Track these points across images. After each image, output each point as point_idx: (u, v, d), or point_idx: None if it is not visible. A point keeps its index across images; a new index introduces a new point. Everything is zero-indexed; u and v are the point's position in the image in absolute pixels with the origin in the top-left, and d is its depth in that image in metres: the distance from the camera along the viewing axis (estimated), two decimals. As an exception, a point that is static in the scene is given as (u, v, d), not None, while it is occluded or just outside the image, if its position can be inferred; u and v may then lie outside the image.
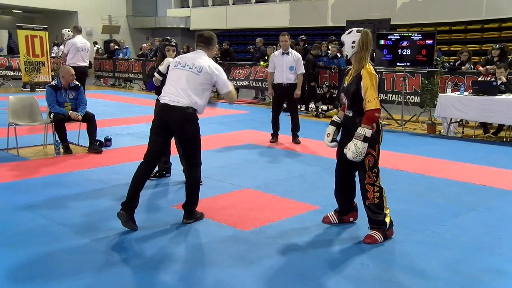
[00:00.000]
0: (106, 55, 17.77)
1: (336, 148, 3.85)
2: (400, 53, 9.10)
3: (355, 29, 3.68)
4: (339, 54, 11.52)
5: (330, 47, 11.60)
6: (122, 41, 18.75)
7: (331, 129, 3.88)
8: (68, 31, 10.62)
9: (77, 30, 9.86)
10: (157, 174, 5.24)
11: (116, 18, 22.14)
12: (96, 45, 19.38)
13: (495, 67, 8.55)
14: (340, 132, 3.84)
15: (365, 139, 3.41)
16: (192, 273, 3.07)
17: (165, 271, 3.08)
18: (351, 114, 3.64)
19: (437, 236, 3.74)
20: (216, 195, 4.69)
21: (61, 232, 3.69)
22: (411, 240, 3.64)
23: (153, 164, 3.93)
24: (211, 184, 5.03)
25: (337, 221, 3.96)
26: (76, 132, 6.76)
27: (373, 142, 3.50)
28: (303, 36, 12.24)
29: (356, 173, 3.75)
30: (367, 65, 3.54)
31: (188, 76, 3.77)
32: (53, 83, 6.44)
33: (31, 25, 15.34)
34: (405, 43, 9.04)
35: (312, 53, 11.42)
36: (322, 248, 3.50)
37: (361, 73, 3.52)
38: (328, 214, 4.02)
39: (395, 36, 9.27)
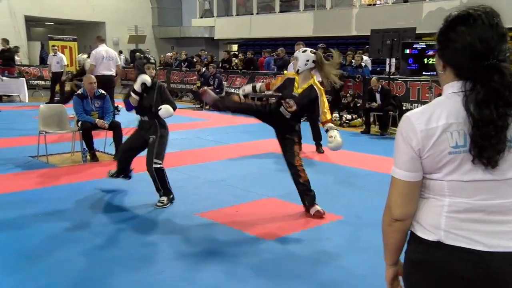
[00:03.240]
0: (131, 64, 18.08)
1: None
2: (426, 62, 8.99)
3: (309, 49, 4.41)
4: (363, 64, 11.45)
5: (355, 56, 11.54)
6: (147, 50, 19.07)
7: (248, 89, 4.83)
8: (81, 55, 10.78)
9: (100, 40, 9.87)
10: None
11: (142, 28, 22.52)
12: (121, 55, 19.75)
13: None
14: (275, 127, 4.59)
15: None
16: (216, 282, 3.07)
17: (189, 281, 3.09)
18: (288, 116, 4.34)
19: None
20: (240, 203, 4.70)
21: (88, 239, 3.75)
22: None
23: None
24: (235, 193, 5.04)
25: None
26: (103, 140, 6.89)
27: (299, 135, 4.61)
28: (322, 44, 12.19)
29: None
30: (316, 81, 4.30)
31: None
32: (79, 92, 6.58)
33: (62, 36, 15.78)
34: (431, 52, 8.91)
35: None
36: (346, 259, 3.45)
37: (316, 89, 4.24)
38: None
39: (420, 45, 9.16)
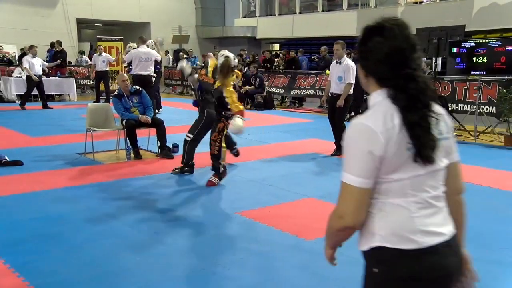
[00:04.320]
0: (175, 64, 18.45)
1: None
2: (475, 61, 8.64)
3: (225, 55, 5.13)
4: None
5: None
6: (191, 50, 19.37)
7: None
8: (152, 41, 11.23)
9: (142, 41, 10.19)
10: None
11: (186, 28, 22.90)
12: (168, 55, 20.17)
13: None
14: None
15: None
16: (256, 281, 3.07)
17: (229, 279, 3.11)
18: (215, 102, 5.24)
19: (516, 256, 3.48)
20: (280, 203, 4.68)
21: (129, 234, 3.85)
22: (486, 259, 3.41)
23: None
24: (275, 193, 5.03)
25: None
26: (146, 138, 7.06)
27: (227, 118, 5.11)
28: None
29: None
30: (230, 87, 5.06)
31: None
32: (116, 92, 6.78)
33: (109, 37, 16.31)
34: (481, 51, 8.57)
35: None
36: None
37: (221, 89, 5.02)
38: None
39: (469, 43, 8.82)
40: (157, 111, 9.77)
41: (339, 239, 1.52)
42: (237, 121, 4.86)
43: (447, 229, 1.43)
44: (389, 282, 1.39)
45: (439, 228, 1.40)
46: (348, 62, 6.97)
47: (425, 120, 1.35)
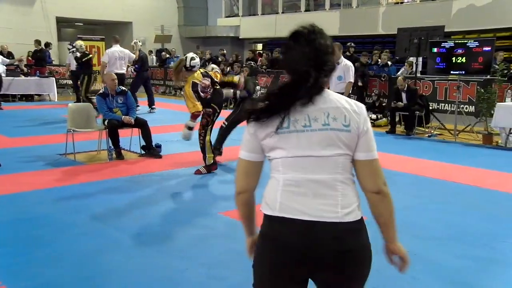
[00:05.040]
0: (158, 63, 18.31)
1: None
2: (454, 61, 8.79)
3: (189, 55, 5.66)
4: (389, 63, 11.28)
5: (381, 55, 11.38)
6: (173, 50, 19.24)
7: None
8: (139, 41, 11.33)
9: (115, 40, 10.41)
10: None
11: (169, 28, 22.73)
12: (152, 54, 20.00)
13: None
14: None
15: (189, 128, 5.61)
16: (241, 281, 3.07)
17: (215, 279, 3.10)
18: None
19: (498, 253, 3.54)
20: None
21: (113, 235, 3.81)
22: (469, 256, 3.48)
23: None
24: (260, 192, 5.02)
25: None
26: (128, 138, 6.99)
27: (208, 115, 5.70)
28: (351, 43, 11.98)
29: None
30: (188, 85, 5.48)
31: None
32: (101, 91, 6.69)
33: (90, 36, 16.08)
34: (460, 51, 8.72)
35: (362, 61, 11.24)
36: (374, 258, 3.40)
37: (185, 89, 5.53)
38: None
39: (449, 44, 8.96)
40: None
41: (241, 213, 1.73)
42: (184, 131, 5.60)
43: (317, 214, 1.52)
44: (260, 235, 1.64)
45: (303, 207, 1.52)
46: (346, 62, 7.36)
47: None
